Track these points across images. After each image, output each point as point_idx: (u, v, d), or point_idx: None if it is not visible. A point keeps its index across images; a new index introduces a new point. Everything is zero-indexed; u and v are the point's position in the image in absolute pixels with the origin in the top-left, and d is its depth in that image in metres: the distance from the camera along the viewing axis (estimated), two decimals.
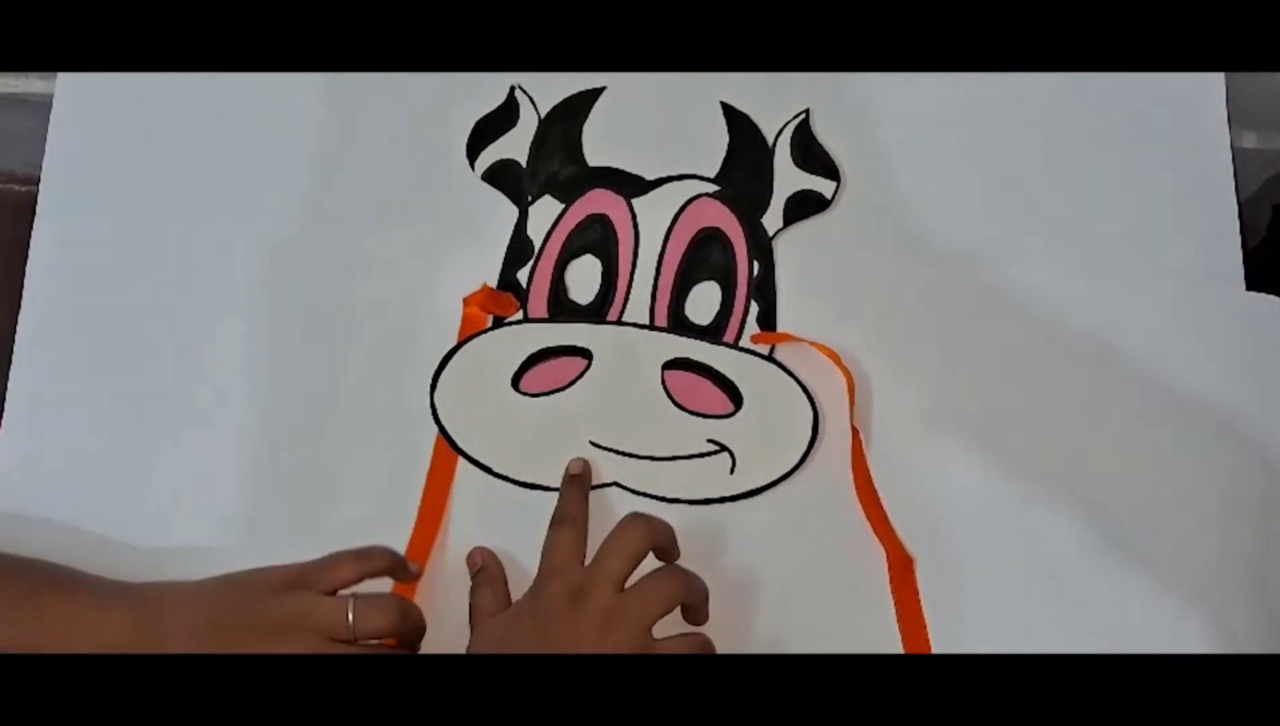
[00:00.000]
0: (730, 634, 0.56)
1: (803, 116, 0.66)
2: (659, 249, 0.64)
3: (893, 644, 0.59)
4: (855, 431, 0.61)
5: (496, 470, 0.61)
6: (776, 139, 0.66)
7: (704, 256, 0.64)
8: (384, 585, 0.56)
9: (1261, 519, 0.62)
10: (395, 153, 0.65)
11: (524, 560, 0.58)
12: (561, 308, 0.63)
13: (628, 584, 0.52)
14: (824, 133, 0.66)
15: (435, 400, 0.61)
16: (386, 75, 0.65)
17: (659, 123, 0.66)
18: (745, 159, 0.66)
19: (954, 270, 0.65)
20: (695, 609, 0.54)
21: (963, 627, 0.59)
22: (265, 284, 0.63)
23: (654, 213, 0.64)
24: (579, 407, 0.61)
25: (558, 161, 0.65)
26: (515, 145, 0.65)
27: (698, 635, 0.53)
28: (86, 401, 0.61)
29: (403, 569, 0.55)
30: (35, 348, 0.62)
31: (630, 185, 0.65)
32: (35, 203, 0.64)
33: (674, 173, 0.65)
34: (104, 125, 0.65)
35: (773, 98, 0.66)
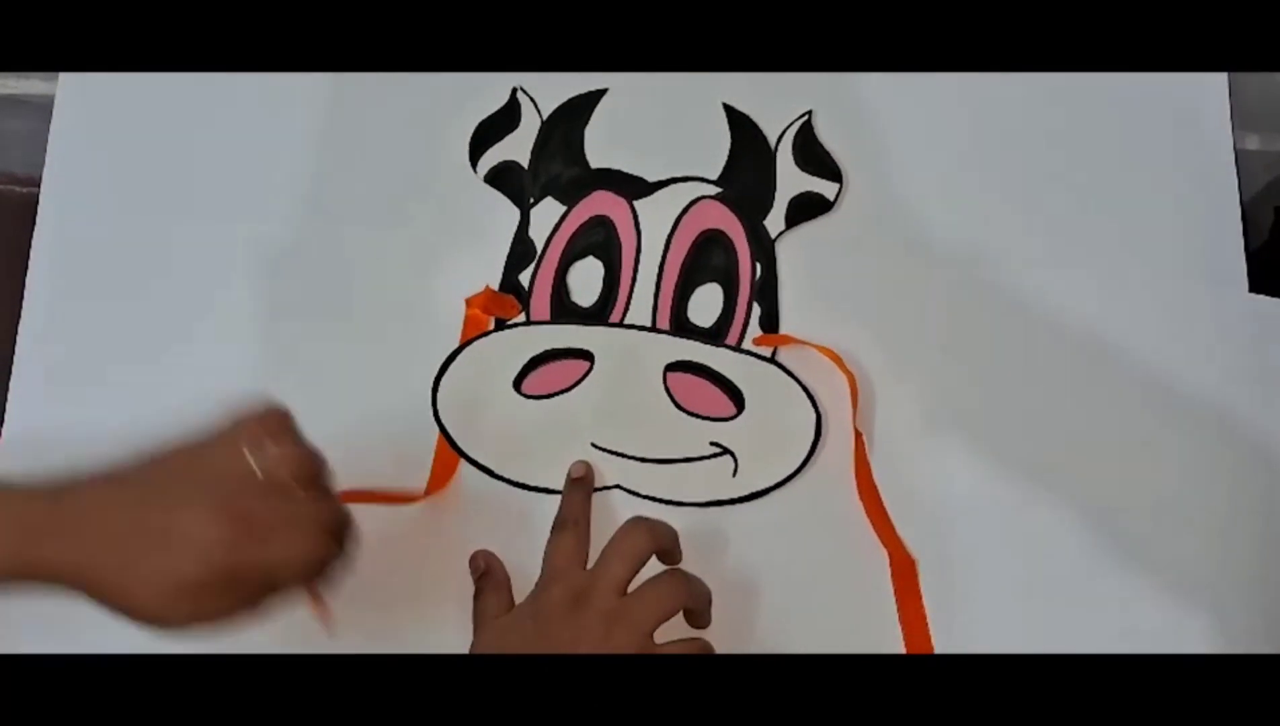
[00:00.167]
0: (733, 636, 0.56)
1: (805, 118, 0.66)
2: (661, 251, 0.64)
3: (895, 645, 0.59)
4: (858, 433, 0.61)
5: (498, 473, 0.61)
6: (779, 140, 0.66)
7: (706, 258, 0.64)
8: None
9: (1263, 519, 0.62)
10: (397, 154, 0.65)
11: (526, 563, 0.57)
12: (564, 310, 0.63)
13: (631, 588, 0.52)
14: (826, 134, 0.66)
15: (437, 402, 0.61)
16: (388, 76, 0.65)
17: (661, 124, 0.66)
18: (747, 161, 0.66)
19: (956, 272, 0.65)
20: (698, 613, 0.54)
21: (965, 629, 0.59)
22: (266, 285, 0.63)
23: (656, 215, 0.64)
24: (581, 410, 0.61)
25: (560, 163, 0.65)
26: (517, 147, 0.65)
27: (698, 641, 0.53)
28: (87, 401, 0.61)
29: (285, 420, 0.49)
30: (36, 348, 0.62)
31: (632, 187, 0.65)
32: (36, 204, 0.64)
33: (676, 175, 0.65)
34: (104, 125, 0.65)
35: (775, 99, 0.66)
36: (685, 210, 0.64)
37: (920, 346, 0.63)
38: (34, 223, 0.64)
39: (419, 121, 0.66)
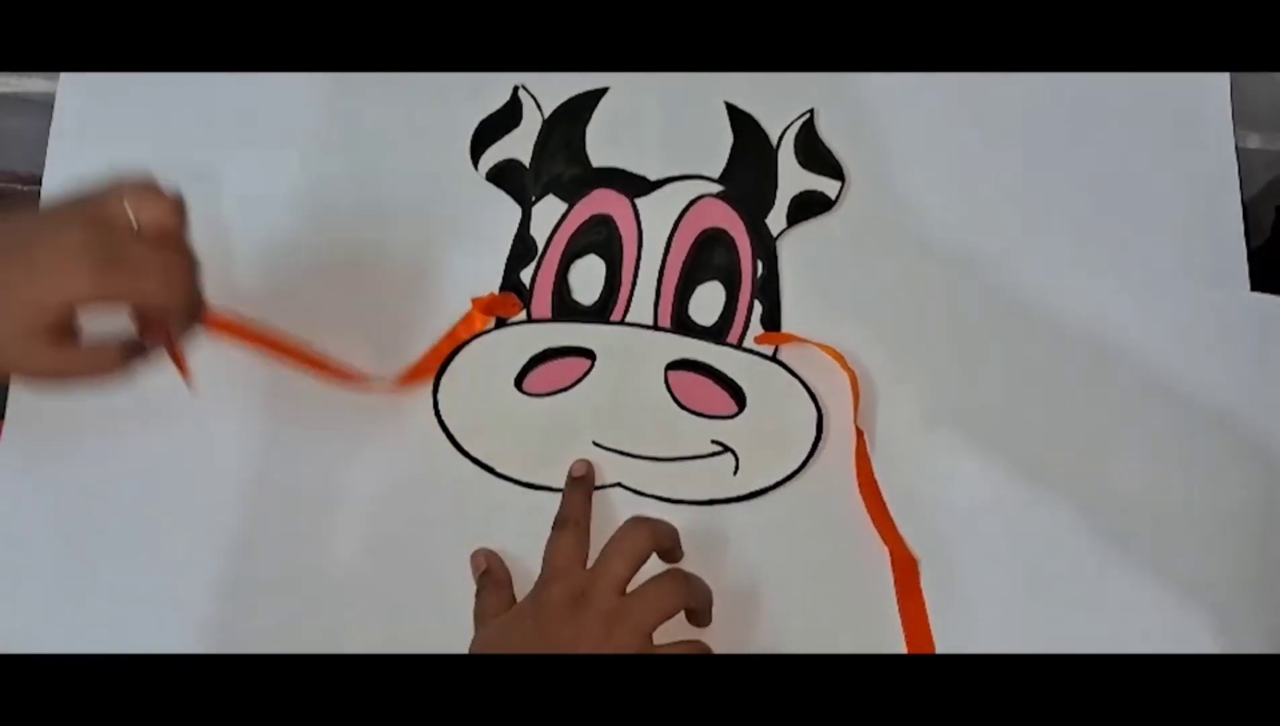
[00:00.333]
0: (734, 635, 0.56)
1: (807, 116, 0.66)
2: (663, 249, 0.64)
3: (896, 645, 0.59)
4: (859, 432, 0.61)
5: (499, 471, 0.60)
6: (780, 139, 0.66)
7: (708, 257, 0.64)
8: None
9: (1265, 519, 0.62)
10: (398, 153, 0.65)
11: (527, 562, 0.57)
12: (565, 308, 0.63)
13: (631, 587, 0.52)
14: (828, 133, 0.66)
15: (438, 400, 0.61)
16: (389, 75, 0.65)
17: (663, 123, 0.66)
18: (749, 159, 0.66)
19: (958, 270, 0.65)
20: (699, 612, 0.54)
21: (967, 628, 0.59)
22: (266, 284, 0.63)
23: (658, 213, 0.64)
24: (582, 408, 0.61)
25: (561, 162, 0.65)
26: (519, 145, 0.65)
27: (697, 642, 0.53)
28: (86, 399, 0.61)
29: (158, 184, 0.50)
30: None
31: (634, 185, 0.65)
32: (38, 202, 0.64)
33: (678, 173, 0.65)
34: (105, 125, 0.65)
35: (777, 98, 0.66)
36: (687, 208, 0.64)
37: (922, 344, 0.63)
38: None
39: (420, 120, 0.66)
